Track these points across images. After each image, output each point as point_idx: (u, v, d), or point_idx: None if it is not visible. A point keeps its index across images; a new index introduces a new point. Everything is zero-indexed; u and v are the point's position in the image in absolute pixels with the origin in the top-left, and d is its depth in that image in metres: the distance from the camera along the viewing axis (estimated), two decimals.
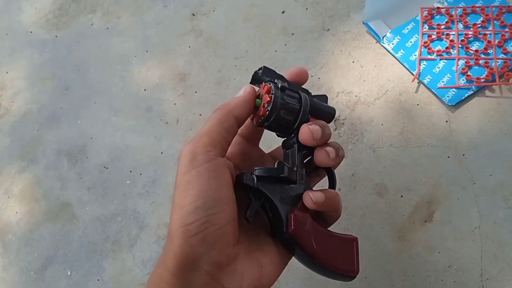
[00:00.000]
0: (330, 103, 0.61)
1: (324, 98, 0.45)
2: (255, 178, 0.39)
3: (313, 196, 0.38)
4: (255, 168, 0.39)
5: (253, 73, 0.42)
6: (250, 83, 0.43)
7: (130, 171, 0.64)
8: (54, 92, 0.73)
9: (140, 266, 0.57)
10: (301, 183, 0.40)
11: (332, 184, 0.42)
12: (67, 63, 0.75)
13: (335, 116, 0.47)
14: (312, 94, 0.44)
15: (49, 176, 0.66)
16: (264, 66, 0.42)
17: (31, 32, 0.79)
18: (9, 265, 0.61)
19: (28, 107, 0.73)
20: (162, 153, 0.64)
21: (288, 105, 0.40)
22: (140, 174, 0.63)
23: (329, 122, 0.43)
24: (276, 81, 0.41)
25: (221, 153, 0.39)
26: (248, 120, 0.43)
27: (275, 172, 0.39)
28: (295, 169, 0.40)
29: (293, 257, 0.41)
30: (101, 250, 0.59)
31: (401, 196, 0.55)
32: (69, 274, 0.58)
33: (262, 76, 0.42)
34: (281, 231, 0.39)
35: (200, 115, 0.66)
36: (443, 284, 0.50)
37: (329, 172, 0.42)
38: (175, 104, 0.68)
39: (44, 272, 0.59)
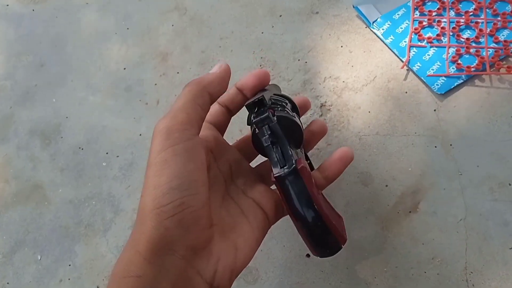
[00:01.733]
0: (318, 88, 0.60)
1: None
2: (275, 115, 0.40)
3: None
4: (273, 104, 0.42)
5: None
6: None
7: (107, 153, 0.61)
8: (29, 69, 0.70)
9: (114, 251, 0.55)
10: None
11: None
12: (44, 39, 0.71)
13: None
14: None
15: (21, 156, 0.63)
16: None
17: (7, 5, 0.75)
18: None
19: (0, 83, 0.69)
20: (140, 135, 0.62)
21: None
22: (117, 156, 0.61)
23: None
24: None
25: (197, 132, 0.38)
26: (218, 107, 0.43)
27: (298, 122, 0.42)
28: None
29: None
30: (74, 234, 0.56)
31: (386, 186, 0.54)
32: (39, 258, 0.56)
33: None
34: (290, 164, 0.38)
35: None
36: (426, 277, 0.49)
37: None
38: (155, 84, 0.65)
39: (13, 256, 0.56)
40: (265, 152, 0.40)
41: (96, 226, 0.57)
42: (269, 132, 0.40)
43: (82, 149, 0.62)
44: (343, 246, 0.40)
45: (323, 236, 0.39)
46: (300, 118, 0.45)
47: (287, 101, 0.45)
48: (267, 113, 0.39)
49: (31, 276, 0.55)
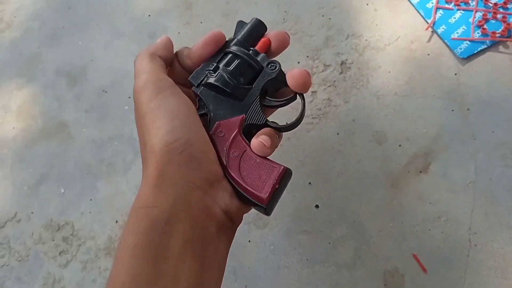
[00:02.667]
0: (340, 45, 0.60)
1: (240, 23, 0.46)
2: (200, 85, 0.41)
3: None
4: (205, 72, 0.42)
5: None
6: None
7: (129, 97, 0.63)
8: (56, 11, 0.71)
9: (133, 190, 0.58)
10: (250, 103, 0.41)
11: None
12: None
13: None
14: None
15: (47, 95, 0.65)
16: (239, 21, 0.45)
17: None
18: (3, 178, 0.61)
19: (29, 24, 0.71)
20: None
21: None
22: None
23: (265, 31, 0.45)
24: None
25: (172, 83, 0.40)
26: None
27: (218, 81, 0.40)
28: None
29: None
30: (96, 171, 0.59)
31: (399, 145, 0.55)
32: (63, 191, 0.59)
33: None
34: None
35: None
36: (430, 234, 0.51)
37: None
38: (179, 33, 0.66)
39: (38, 188, 0.60)
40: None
41: (117, 166, 0.59)
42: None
43: (106, 92, 0.64)
44: (264, 205, 0.37)
45: (242, 196, 0.39)
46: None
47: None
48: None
49: (54, 207, 0.58)
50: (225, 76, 0.40)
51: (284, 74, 0.42)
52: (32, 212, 0.59)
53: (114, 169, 0.59)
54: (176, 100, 0.38)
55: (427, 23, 0.60)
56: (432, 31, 0.59)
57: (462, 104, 0.55)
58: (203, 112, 0.41)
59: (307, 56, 0.61)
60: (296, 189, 0.55)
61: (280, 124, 0.41)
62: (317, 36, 0.62)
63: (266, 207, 0.37)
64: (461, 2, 0.60)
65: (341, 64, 0.60)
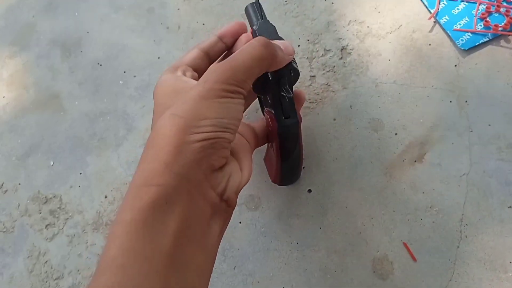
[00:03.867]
0: (341, 31, 0.59)
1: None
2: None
3: None
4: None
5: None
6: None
7: (124, 72, 0.62)
8: None
9: (124, 166, 0.57)
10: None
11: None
12: None
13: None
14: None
15: (41, 65, 0.64)
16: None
17: None
18: None
19: None
20: (159, 58, 0.62)
21: None
22: (134, 76, 0.61)
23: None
24: None
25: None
26: (197, 52, 0.46)
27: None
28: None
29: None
30: (87, 145, 0.58)
31: (396, 134, 0.55)
32: (52, 164, 0.58)
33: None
34: (294, 115, 0.44)
35: (204, 24, 0.63)
36: (421, 223, 0.50)
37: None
38: (178, 9, 0.65)
39: (26, 159, 0.58)
40: (274, 100, 0.44)
41: (108, 141, 0.58)
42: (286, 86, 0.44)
43: (101, 65, 0.63)
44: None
45: (296, 171, 0.49)
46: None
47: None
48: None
49: (42, 179, 0.57)
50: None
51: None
52: (19, 184, 0.57)
53: (106, 144, 0.58)
54: (234, 108, 0.38)
55: (430, 12, 0.59)
56: (434, 21, 0.59)
57: (460, 96, 0.55)
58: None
59: (308, 40, 0.60)
60: None
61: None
62: (318, 20, 0.61)
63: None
64: None
65: (342, 49, 0.59)
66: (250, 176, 0.41)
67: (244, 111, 0.43)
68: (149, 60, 0.62)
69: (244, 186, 0.40)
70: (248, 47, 0.38)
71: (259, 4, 0.46)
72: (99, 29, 0.65)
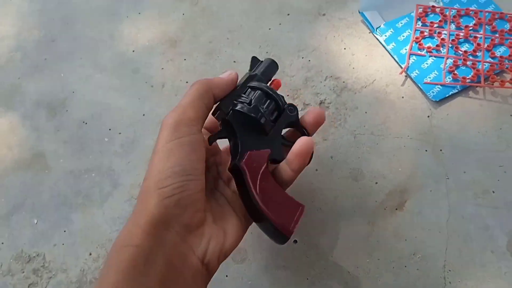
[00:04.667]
0: (319, 86, 0.62)
1: (255, 60, 0.50)
2: (230, 111, 0.44)
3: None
4: (236, 101, 0.44)
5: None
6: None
7: (110, 129, 0.63)
8: (40, 43, 0.72)
9: (109, 222, 0.57)
10: (273, 139, 0.45)
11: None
12: (56, 15, 0.74)
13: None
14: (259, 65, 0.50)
15: (26, 125, 0.65)
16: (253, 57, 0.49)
17: None
18: None
19: (11, 55, 0.71)
20: (144, 115, 0.64)
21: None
22: (119, 133, 0.63)
23: (276, 70, 0.50)
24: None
25: (201, 128, 0.42)
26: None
27: (253, 113, 0.43)
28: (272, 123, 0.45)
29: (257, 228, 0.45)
30: (71, 203, 0.58)
31: (376, 183, 0.56)
32: (35, 222, 0.57)
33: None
34: (235, 159, 0.43)
35: (187, 82, 0.65)
36: (406, 270, 0.51)
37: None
38: (162, 68, 0.67)
39: (10, 218, 0.58)
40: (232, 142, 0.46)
41: (93, 197, 0.58)
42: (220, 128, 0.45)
43: (86, 123, 0.64)
44: (288, 237, 0.42)
45: (267, 227, 0.43)
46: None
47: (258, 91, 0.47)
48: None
49: (26, 238, 0.56)
50: (261, 111, 0.44)
51: (298, 119, 0.47)
52: (2, 243, 0.57)
53: (91, 201, 0.58)
54: (190, 148, 0.39)
55: (401, 67, 0.63)
56: (406, 75, 0.62)
57: (435, 145, 0.58)
58: (223, 136, 0.45)
59: (288, 95, 0.63)
60: None
61: None
62: (297, 76, 0.64)
63: (288, 239, 0.42)
64: (433, 49, 0.63)
65: (320, 103, 0.62)
66: (237, 242, 0.42)
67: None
68: (134, 117, 0.64)
69: (229, 253, 0.41)
70: None
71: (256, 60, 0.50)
72: (84, 89, 0.66)
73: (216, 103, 0.45)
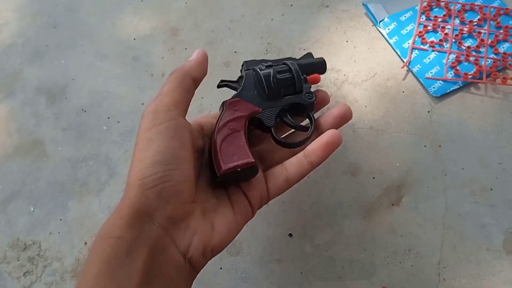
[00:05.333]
0: None
1: (308, 55, 0.52)
2: (248, 69, 0.48)
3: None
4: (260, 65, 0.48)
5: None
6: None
7: (108, 118, 0.63)
8: (42, 29, 0.71)
9: (105, 211, 0.57)
10: (273, 107, 0.46)
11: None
12: (59, 2, 0.73)
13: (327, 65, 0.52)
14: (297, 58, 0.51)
15: (25, 111, 0.65)
16: (244, 61, 0.49)
17: None
18: None
19: (13, 40, 0.71)
20: (143, 104, 0.64)
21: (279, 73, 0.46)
22: (118, 122, 0.63)
23: (323, 72, 0.50)
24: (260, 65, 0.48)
25: (183, 114, 0.41)
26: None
27: (264, 75, 0.46)
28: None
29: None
30: (68, 191, 0.58)
31: (373, 178, 0.56)
32: (32, 210, 0.58)
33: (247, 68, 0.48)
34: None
35: None
36: (400, 266, 0.51)
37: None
38: (163, 57, 0.67)
39: (7, 205, 0.58)
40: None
41: (90, 186, 0.59)
42: None
43: (85, 111, 0.64)
44: (218, 173, 0.41)
45: (210, 159, 0.42)
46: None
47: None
48: None
49: (22, 225, 0.57)
50: (271, 78, 0.45)
51: (313, 108, 0.47)
52: None
53: (88, 189, 0.58)
54: (170, 135, 0.38)
55: (403, 62, 0.62)
56: (407, 70, 0.62)
57: (434, 141, 0.57)
58: (232, 87, 0.47)
59: None
60: (270, 217, 0.55)
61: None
62: None
63: (218, 178, 0.41)
64: (436, 44, 0.62)
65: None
66: (228, 240, 0.41)
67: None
68: (133, 106, 0.63)
69: (218, 249, 0.40)
70: None
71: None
72: (84, 76, 0.66)
73: (197, 85, 0.45)
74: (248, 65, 0.48)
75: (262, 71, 0.46)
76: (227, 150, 0.41)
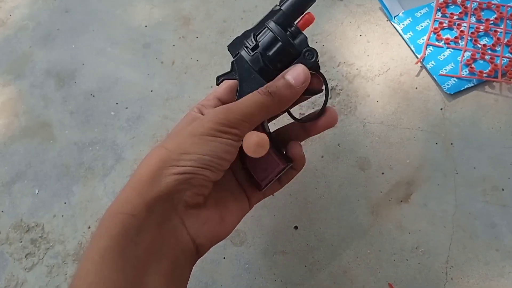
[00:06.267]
0: (331, 72, 0.60)
1: None
2: (237, 54, 0.43)
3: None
4: (245, 43, 0.42)
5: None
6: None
7: (116, 103, 0.62)
8: (53, 13, 0.71)
9: (110, 196, 0.56)
10: None
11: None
12: None
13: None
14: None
15: (34, 94, 0.64)
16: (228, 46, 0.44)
17: None
18: None
19: (24, 23, 0.71)
20: (152, 91, 0.63)
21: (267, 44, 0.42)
22: (126, 108, 0.62)
23: (311, 2, 0.43)
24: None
25: (242, 136, 0.39)
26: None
27: (253, 63, 0.42)
28: None
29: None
30: (74, 174, 0.58)
31: (382, 173, 0.55)
32: (37, 192, 0.57)
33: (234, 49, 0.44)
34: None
35: (197, 60, 0.65)
36: (407, 264, 0.50)
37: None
38: (173, 45, 0.66)
39: (12, 186, 0.58)
40: None
41: (96, 170, 0.58)
42: None
43: (94, 96, 0.63)
44: (260, 189, 0.43)
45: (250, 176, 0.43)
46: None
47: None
48: None
49: (26, 207, 0.56)
50: (261, 60, 0.41)
51: (318, 65, 0.42)
52: (2, 211, 0.57)
53: (93, 174, 0.58)
54: (226, 149, 0.38)
55: (417, 58, 0.61)
56: (421, 66, 0.61)
57: (446, 139, 0.56)
58: (231, 77, 0.43)
59: None
60: (276, 209, 0.54)
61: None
62: None
63: (262, 189, 0.43)
64: (451, 41, 0.61)
65: (331, 89, 0.61)
66: (231, 230, 0.41)
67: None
68: (141, 93, 0.63)
69: (221, 239, 0.40)
70: (254, 93, 0.39)
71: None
72: (94, 61, 0.66)
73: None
74: (233, 51, 0.43)
75: (249, 57, 0.42)
76: (256, 166, 0.42)
